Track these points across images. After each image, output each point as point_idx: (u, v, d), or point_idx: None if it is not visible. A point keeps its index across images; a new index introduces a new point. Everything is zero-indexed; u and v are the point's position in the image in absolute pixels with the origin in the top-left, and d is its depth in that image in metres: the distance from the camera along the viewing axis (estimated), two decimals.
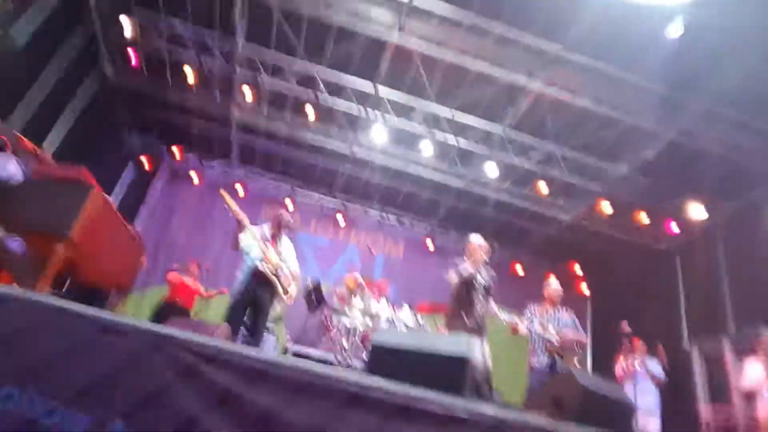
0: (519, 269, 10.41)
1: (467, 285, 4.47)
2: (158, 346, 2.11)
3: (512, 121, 7.28)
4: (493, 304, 4.54)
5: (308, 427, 1.88)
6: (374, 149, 8.41)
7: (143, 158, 9.49)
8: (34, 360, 1.88)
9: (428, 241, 10.21)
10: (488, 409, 2.74)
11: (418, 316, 6.39)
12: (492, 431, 2.60)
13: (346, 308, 6.03)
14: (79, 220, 3.50)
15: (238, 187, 9.66)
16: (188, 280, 6.58)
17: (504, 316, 5.03)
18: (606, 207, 8.03)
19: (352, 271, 6.69)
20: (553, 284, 5.34)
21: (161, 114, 8.80)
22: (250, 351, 2.35)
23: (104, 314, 2.17)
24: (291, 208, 9.72)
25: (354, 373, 2.67)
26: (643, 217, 8.04)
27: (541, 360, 4.97)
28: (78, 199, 3.54)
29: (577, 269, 10.43)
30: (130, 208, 9.42)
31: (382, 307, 6.41)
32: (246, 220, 4.70)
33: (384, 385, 2.54)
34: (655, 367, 6.43)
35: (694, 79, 6.08)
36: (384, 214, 10.38)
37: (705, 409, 7.34)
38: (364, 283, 6.20)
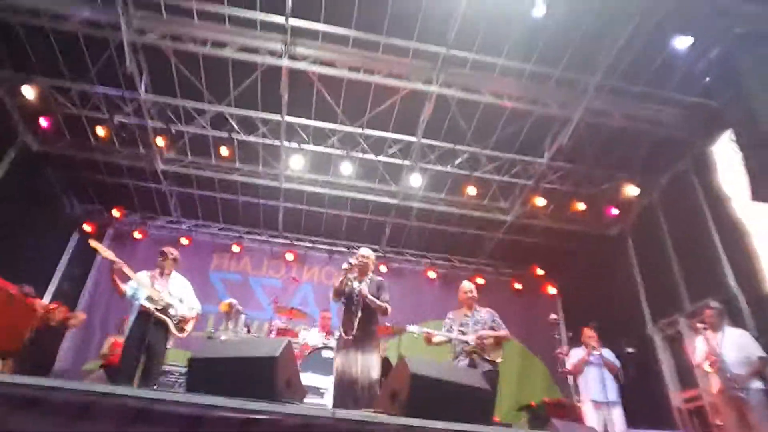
0: (480, 281, 10.10)
1: (346, 298, 4.37)
2: None
3: (425, 128, 7.26)
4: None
5: None
6: (303, 180, 8.41)
7: (86, 225, 9.49)
8: None
9: (382, 267, 9.96)
10: (290, 409, 2.56)
11: None
12: (297, 430, 2.43)
13: (222, 334, 5.89)
14: None
15: (184, 240, 9.62)
16: (122, 339, 6.38)
17: (413, 328, 4.96)
18: (539, 201, 7.89)
19: (228, 299, 6.64)
20: (464, 287, 5.22)
21: (94, 176, 8.83)
22: (25, 379, 2.24)
23: None
24: (238, 249, 9.72)
25: (143, 391, 2.51)
26: (580, 206, 7.87)
27: (462, 364, 4.81)
28: None
29: (539, 270, 10.14)
30: (78, 278, 9.35)
31: (311, 336, 6.34)
32: (125, 268, 4.61)
33: (171, 397, 2.39)
34: (609, 354, 6.10)
35: (579, 58, 6.11)
36: (333, 247, 10.27)
37: (674, 395, 6.92)
38: (239, 306, 6.14)
